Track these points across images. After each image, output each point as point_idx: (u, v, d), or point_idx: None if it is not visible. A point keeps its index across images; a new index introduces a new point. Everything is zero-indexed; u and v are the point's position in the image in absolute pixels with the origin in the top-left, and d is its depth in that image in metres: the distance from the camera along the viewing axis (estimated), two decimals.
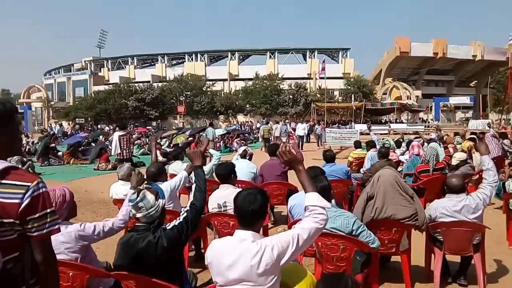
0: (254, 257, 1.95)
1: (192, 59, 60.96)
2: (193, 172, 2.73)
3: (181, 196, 5.86)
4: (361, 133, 15.68)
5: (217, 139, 18.65)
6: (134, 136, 21.92)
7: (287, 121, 28.86)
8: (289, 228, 3.42)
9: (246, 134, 27.19)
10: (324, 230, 2.55)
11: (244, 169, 5.98)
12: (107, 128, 37.65)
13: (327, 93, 38.10)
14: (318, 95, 43.92)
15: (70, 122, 46.55)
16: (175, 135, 20.72)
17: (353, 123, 33.23)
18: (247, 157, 6.92)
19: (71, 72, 66.39)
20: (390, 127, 30.97)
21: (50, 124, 45.79)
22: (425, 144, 9.02)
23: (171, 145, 18.39)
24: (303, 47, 60.82)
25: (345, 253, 3.11)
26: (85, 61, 68.02)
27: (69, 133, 32.35)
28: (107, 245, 3.66)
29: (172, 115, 49.04)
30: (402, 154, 8.86)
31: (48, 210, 1.57)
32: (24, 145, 17.73)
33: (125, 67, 63.68)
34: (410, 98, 44.16)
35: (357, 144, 9.19)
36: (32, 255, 1.56)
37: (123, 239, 2.38)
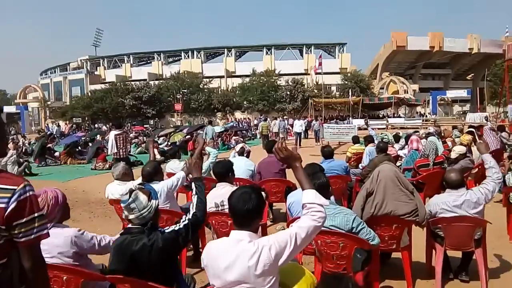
0: (251, 258, 1.89)
1: (188, 56, 60.77)
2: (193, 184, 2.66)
3: (178, 195, 5.82)
4: (359, 128, 15.61)
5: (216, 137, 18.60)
6: (131, 135, 21.85)
7: (285, 117, 28.83)
8: (288, 225, 3.37)
9: (244, 131, 27.13)
10: (323, 228, 2.50)
11: (242, 167, 5.93)
12: (104, 127, 37.52)
13: (325, 89, 37.99)
14: (316, 91, 43.82)
15: (67, 122, 46.42)
16: (172, 133, 20.67)
17: (350, 118, 33.16)
18: (245, 154, 6.88)
19: (67, 71, 66.14)
20: (387, 121, 30.96)
21: (47, 124, 45.66)
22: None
23: (169, 143, 18.34)
24: (299, 42, 60.70)
25: (345, 251, 3.06)
26: (81, 60, 67.67)
27: (66, 132, 32.22)
28: None
29: (169, 113, 48.92)
30: (401, 148, 8.82)
31: (36, 214, 1.51)
32: (21, 146, 17.64)
33: (121, 65, 63.39)
34: (407, 92, 44.19)
35: (355, 139, 9.14)
36: (20, 261, 1.50)
37: (116, 242, 2.31)
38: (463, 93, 46.27)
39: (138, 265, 2.21)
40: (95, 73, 63.84)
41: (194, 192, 2.59)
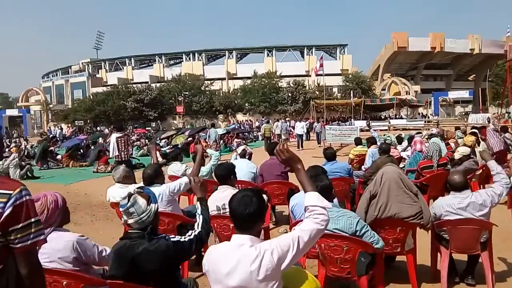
0: (253, 263, 1.85)
1: (189, 58, 60.85)
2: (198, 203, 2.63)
3: (180, 197, 5.79)
4: (361, 130, 15.57)
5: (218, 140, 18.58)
6: (133, 137, 21.84)
7: (287, 119, 28.80)
8: (291, 228, 3.33)
9: (246, 133, 27.09)
10: (327, 231, 2.46)
11: (244, 169, 5.89)
12: (106, 130, 37.56)
13: (326, 90, 37.96)
14: (317, 92, 43.78)
15: (70, 125, 46.49)
16: (174, 135, 20.65)
17: (352, 119, 33.11)
18: (247, 157, 6.84)
19: (69, 74, 66.26)
20: (389, 123, 30.89)
21: (49, 127, 45.74)
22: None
23: (171, 145, 18.32)
24: (300, 44, 60.67)
25: (349, 254, 3.02)
26: (82, 63, 67.90)
27: (67, 135, 32.26)
28: None
29: (171, 116, 48.93)
30: (404, 150, 8.77)
31: (33, 220, 1.47)
32: (23, 149, 17.65)
33: (123, 68, 63.58)
34: (409, 93, 44.11)
35: (358, 141, 9.11)
36: (16, 267, 1.46)
37: (116, 247, 2.27)
38: (465, 94, 46.19)
39: (138, 270, 2.17)
40: (97, 76, 63.99)
41: (199, 211, 2.54)
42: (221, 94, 50.68)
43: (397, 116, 38.48)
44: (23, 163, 12.85)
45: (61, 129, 40.22)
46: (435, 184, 5.99)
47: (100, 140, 21.15)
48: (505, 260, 4.21)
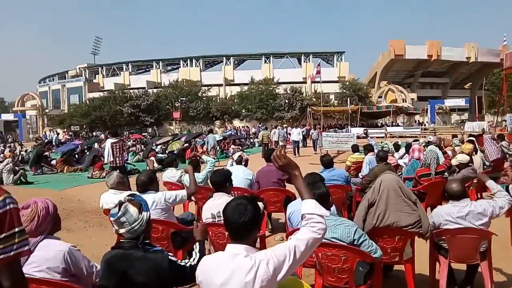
0: (248, 274, 1.78)
1: (187, 64, 60.84)
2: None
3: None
4: (358, 137, 15.54)
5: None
6: (129, 143, 21.73)
7: (284, 125, 28.81)
8: (288, 236, 3.26)
9: (242, 139, 27.02)
10: (324, 240, 2.39)
11: (240, 176, 5.83)
12: (102, 135, 37.38)
13: (323, 97, 38.02)
14: (314, 99, 43.87)
15: (65, 130, 46.28)
16: (170, 141, 20.55)
17: (349, 126, 33.14)
18: (243, 163, 6.77)
19: (65, 79, 66.11)
20: (386, 130, 30.94)
21: (45, 132, 45.50)
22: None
23: (166, 151, 18.22)
24: (298, 51, 60.84)
25: (347, 264, 2.95)
26: (79, 68, 67.74)
27: (63, 140, 32.07)
28: (99, 259, 3.47)
29: (167, 121, 48.82)
30: (401, 157, 8.73)
31: (17, 229, 1.39)
32: (18, 153, 17.51)
33: (120, 73, 63.44)
34: (406, 101, 44.38)
35: (355, 148, 9.04)
36: None
37: (107, 256, 2.19)
38: (461, 102, 46.53)
39: (130, 282, 2.09)
40: (94, 81, 63.80)
41: (197, 250, 2.46)
42: (218, 100, 50.64)
43: (394, 124, 38.60)
44: (16, 168, 12.72)
45: (58, 134, 40.01)
46: (433, 192, 5.94)
47: (96, 145, 21.05)
48: (504, 269, 4.15)
